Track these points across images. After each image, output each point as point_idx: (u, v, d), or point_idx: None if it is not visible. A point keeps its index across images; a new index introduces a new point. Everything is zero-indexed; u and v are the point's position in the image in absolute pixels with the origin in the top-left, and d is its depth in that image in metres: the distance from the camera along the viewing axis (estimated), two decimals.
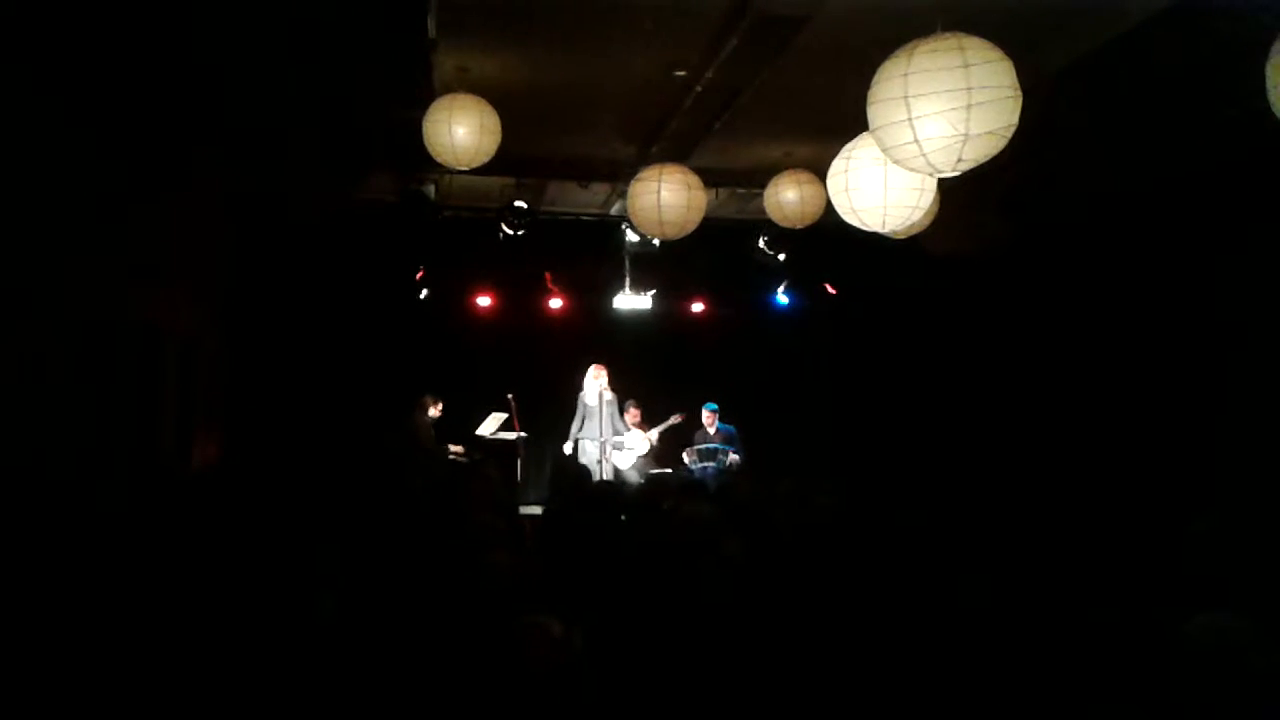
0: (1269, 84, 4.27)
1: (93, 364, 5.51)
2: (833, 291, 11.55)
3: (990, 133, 3.84)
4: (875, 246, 7.27)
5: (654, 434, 10.62)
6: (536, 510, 9.85)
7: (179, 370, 7.16)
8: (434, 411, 10.20)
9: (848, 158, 5.15)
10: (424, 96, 6.50)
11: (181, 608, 3.22)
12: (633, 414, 10.61)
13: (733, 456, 10.32)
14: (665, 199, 6.78)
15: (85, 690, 2.73)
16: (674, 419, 10.65)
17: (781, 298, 11.58)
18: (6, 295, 4.54)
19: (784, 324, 11.76)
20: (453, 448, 10.19)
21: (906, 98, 3.83)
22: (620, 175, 9.03)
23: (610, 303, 11.04)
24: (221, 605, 3.14)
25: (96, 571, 3.95)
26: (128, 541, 4.59)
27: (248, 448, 8.56)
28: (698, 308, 11.78)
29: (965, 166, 3.97)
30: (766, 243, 10.30)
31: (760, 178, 8.16)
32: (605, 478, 9.79)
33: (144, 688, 2.68)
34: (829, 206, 5.70)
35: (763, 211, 8.19)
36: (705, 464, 10.28)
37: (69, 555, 4.19)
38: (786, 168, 7.84)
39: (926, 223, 6.18)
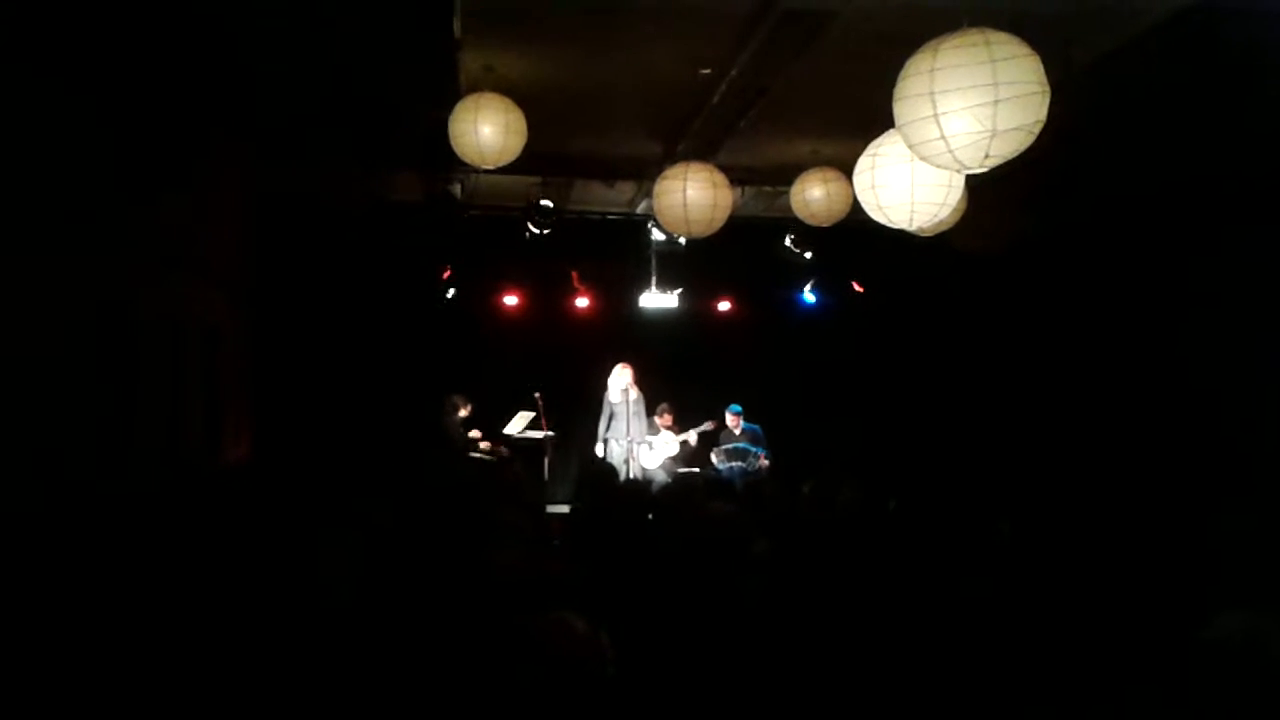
0: None
1: (117, 356, 5.54)
2: (860, 290, 11.50)
3: (1017, 128, 3.81)
4: (903, 244, 7.23)
5: (688, 436, 10.61)
6: (564, 509, 9.89)
7: (203, 364, 7.20)
8: (463, 412, 10.24)
9: (874, 155, 5.12)
10: (450, 96, 6.52)
11: (205, 601, 3.24)
12: (665, 419, 10.60)
13: (763, 461, 10.29)
14: (691, 197, 6.78)
15: (110, 679, 2.75)
16: (706, 425, 10.62)
17: (808, 296, 11.53)
18: (31, 288, 4.57)
19: (810, 322, 11.71)
20: (481, 443, 10.22)
21: (932, 94, 3.80)
22: (646, 174, 9.03)
23: (636, 301, 11.05)
24: (244, 599, 3.16)
25: (124, 565, 3.98)
26: (156, 536, 4.63)
27: (275, 443, 8.61)
28: (724, 306, 11.77)
29: (992, 163, 3.94)
30: (793, 241, 10.27)
31: (786, 175, 8.14)
32: (632, 477, 9.78)
33: (164, 677, 2.70)
34: (856, 204, 5.67)
35: (789, 209, 8.17)
36: (733, 464, 10.25)
37: (96, 550, 4.22)
38: (813, 165, 7.82)
39: (954, 220, 6.14)
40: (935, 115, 3.79)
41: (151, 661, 2.77)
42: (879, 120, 5.08)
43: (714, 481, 7.83)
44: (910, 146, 4.09)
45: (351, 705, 2.56)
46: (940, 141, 3.85)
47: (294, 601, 3.02)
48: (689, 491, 6.30)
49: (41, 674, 2.81)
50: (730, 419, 10.64)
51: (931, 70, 3.80)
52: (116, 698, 2.67)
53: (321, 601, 3.05)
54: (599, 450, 10.45)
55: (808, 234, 9.79)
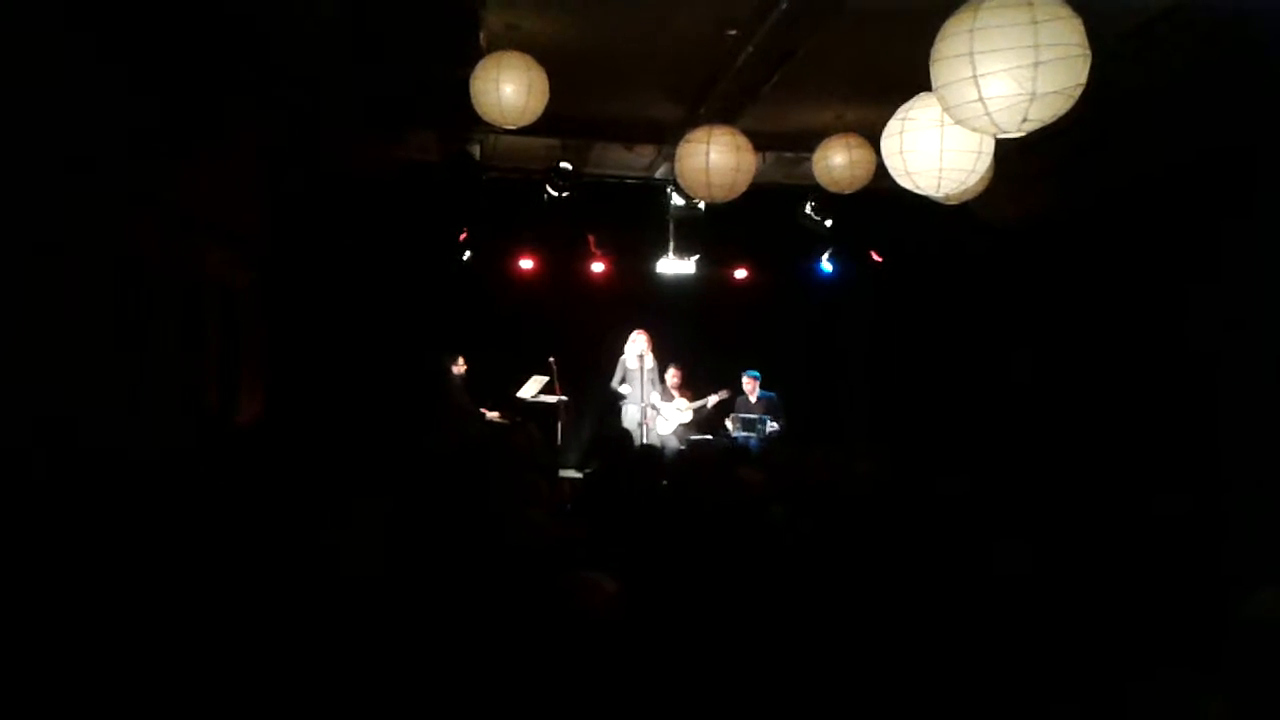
0: None
1: (134, 316, 5.51)
2: (878, 259, 11.42)
3: (1057, 92, 3.72)
4: (923, 214, 7.15)
5: (702, 403, 10.59)
6: (576, 474, 9.90)
7: (222, 324, 7.17)
8: (458, 369, 10.20)
9: (904, 119, 5.03)
10: (471, 54, 6.44)
11: (224, 560, 3.22)
12: (674, 375, 10.58)
13: (771, 426, 10.27)
14: (714, 160, 6.70)
15: (134, 635, 2.74)
16: (722, 393, 10.59)
17: (826, 265, 11.45)
18: (46, 248, 4.54)
19: (828, 292, 11.66)
20: (488, 413, 10.19)
21: (972, 54, 3.72)
22: (666, 138, 8.95)
23: (654, 267, 11.00)
24: (264, 560, 3.14)
25: (140, 527, 3.97)
26: (173, 495, 4.62)
27: (291, 402, 8.59)
28: (741, 274, 11.70)
29: (1030, 127, 3.86)
30: (813, 208, 10.18)
31: (809, 141, 8.05)
32: (646, 442, 9.76)
33: (188, 635, 2.68)
34: (878, 171, 5.60)
35: (810, 176, 8.09)
36: (747, 434, 10.25)
37: (113, 511, 4.21)
38: (836, 131, 7.72)
39: (980, 188, 6.06)
40: (974, 76, 3.71)
41: (175, 621, 2.75)
42: (906, 86, 5.01)
43: (729, 448, 7.81)
44: (947, 109, 4.01)
45: (379, 670, 2.53)
46: (978, 104, 3.76)
47: (318, 564, 2.99)
48: (704, 458, 6.28)
49: (67, 628, 2.79)
50: (747, 383, 10.62)
51: (971, 30, 3.71)
52: (139, 655, 2.65)
53: (346, 561, 3.03)
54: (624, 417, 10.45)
55: (828, 201, 9.70)
